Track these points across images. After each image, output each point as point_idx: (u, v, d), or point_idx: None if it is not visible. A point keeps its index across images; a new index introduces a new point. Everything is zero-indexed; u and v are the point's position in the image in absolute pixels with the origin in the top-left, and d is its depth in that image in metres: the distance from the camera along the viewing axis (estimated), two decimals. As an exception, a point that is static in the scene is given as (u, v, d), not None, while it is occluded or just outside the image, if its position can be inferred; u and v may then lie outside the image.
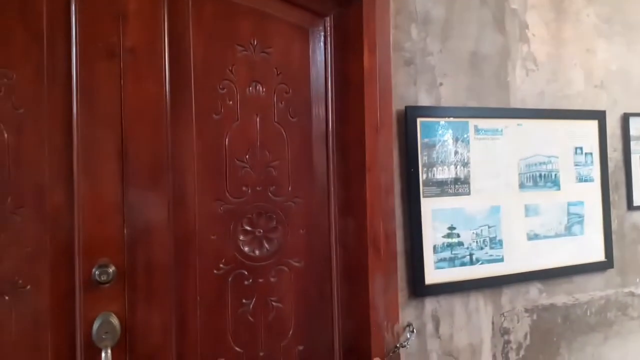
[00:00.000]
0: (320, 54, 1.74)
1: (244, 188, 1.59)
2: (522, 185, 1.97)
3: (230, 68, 1.58)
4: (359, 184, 1.70)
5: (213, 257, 1.53)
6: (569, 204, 2.06)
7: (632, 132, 2.23)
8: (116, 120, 1.42)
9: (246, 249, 1.58)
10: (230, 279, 1.55)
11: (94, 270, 1.35)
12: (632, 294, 2.22)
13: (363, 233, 1.69)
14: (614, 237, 2.16)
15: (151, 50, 1.48)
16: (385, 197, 1.72)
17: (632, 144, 2.23)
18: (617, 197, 2.21)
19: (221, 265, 1.54)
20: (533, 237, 1.98)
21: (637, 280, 2.23)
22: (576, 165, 2.09)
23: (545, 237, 2.01)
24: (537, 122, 2.02)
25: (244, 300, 1.57)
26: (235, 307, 1.56)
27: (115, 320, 1.36)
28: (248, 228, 1.59)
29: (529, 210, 1.98)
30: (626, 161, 2.22)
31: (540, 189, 2.01)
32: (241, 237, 1.58)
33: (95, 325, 1.34)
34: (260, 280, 1.60)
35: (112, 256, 1.38)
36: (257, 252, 1.60)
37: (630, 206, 2.22)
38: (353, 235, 1.72)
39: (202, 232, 1.52)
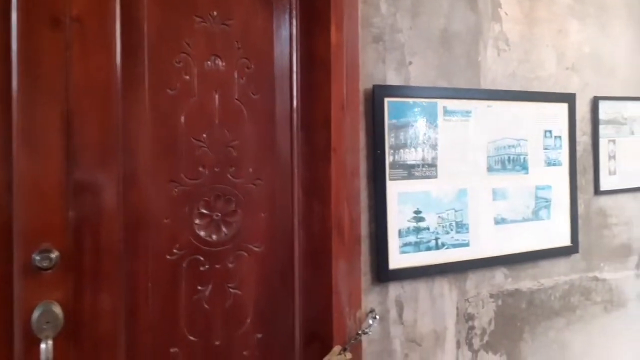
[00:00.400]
0: (285, 28, 1.64)
1: (200, 169, 1.50)
2: (490, 169, 1.93)
3: (188, 40, 1.48)
4: (324, 166, 1.64)
5: (166, 241, 1.45)
6: (537, 188, 2.04)
7: (602, 115, 2.21)
8: (61, 95, 1.32)
9: (202, 233, 1.50)
10: (184, 265, 1.47)
11: (34, 255, 1.26)
12: (596, 279, 2.22)
13: (327, 216, 1.63)
14: (580, 221, 2.15)
15: (101, 19, 1.37)
16: (351, 179, 1.66)
17: (601, 127, 2.21)
18: (585, 182, 2.19)
19: (175, 251, 1.46)
20: (500, 221, 1.95)
21: (602, 265, 2.23)
22: (545, 148, 2.06)
23: (513, 221, 1.98)
24: (507, 104, 1.97)
25: (199, 287, 1.50)
26: (190, 294, 1.48)
27: (57, 309, 1.27)
28: (205, 211, 1.51)
29: (496, 194, 1.94)
30: (594, 145, 2.20)
31: (509, 172, 1.97)
32: (197, 221, 1.50)
33: (35, 315, 1.25)
34: (217, 266, 1.53)
35: (55, 241, 1.29)
36: (214, 237, 1.52)
37: (597, 190, 2.20)
38: (316, 219, 1.66)
39: (155, 216, 1.43)
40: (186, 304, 1.47)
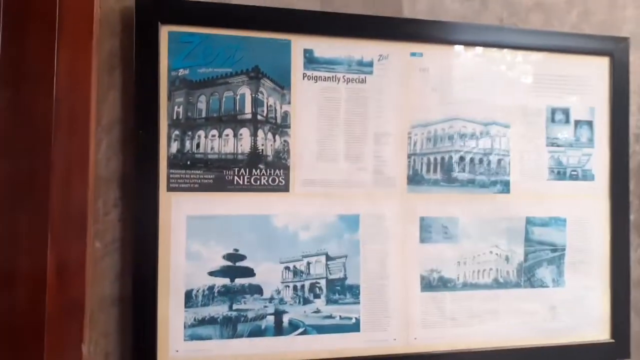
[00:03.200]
0: None
1: None
2: (414, 177, 0.96)
3: None
4: (41, 153, 0.83)
5: None
6: (529, 223, 1.02)
7: (694, 87, 1.12)
8: None
9: None
10: None
11: None
12: (673, 411, 1.11)
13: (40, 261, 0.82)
14: (634, 294, 1.08)
15: None
16: (66, 184, 0.83)
17: (692, 110, 1.12)
18: (649, 215, 1.11)
19: None
20: (437, 284, 0.97)
21: (686, 382, 1.12)
22: (552, 144, 1.04)
23: (468, 286, 0.99)
24: (465, 53, 1.00)
25: None
26: None
27: None
28: None
29: (428, 230, 0.97)
30: (676, 145, 1.12)
31: (461, 188, 0.98)
32: None
33: None
34: None
35: None
36: None
37: (678, 234, 1.11)
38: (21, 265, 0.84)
39: None
40: None
